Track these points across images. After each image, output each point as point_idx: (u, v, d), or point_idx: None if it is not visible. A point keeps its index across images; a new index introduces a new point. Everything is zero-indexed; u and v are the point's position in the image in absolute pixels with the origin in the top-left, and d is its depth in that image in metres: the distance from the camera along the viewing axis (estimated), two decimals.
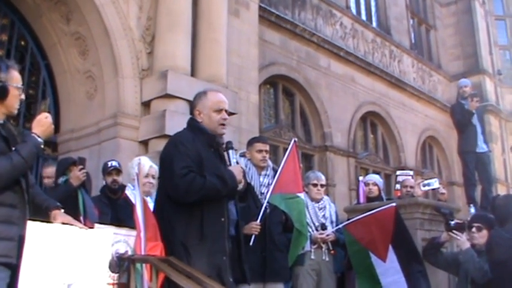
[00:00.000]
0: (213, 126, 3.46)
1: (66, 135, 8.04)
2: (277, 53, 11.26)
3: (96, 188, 5.72)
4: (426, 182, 6.75)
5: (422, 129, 15.91)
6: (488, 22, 18.73)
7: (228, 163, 3.47)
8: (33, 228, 2.70)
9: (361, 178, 6.97)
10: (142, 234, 3.33)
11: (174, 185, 3.26)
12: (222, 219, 3.34)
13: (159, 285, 3.16)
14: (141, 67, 7.68)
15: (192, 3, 7.90)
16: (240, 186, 3.49)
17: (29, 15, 8.16)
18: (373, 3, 15.60)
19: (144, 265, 3.26)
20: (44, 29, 8.15)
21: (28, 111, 7.85)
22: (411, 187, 6.67)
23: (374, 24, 15.28)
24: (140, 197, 3.49)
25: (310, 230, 5.17)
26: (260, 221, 4.48)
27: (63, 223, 2.92)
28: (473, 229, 4.80)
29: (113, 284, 3.26)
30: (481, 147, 8.06)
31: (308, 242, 5.06)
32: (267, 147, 4.98)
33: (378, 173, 11.75)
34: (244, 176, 3.53)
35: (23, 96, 2.93)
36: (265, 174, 4.89)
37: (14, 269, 2.69)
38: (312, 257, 5.16)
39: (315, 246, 5.19)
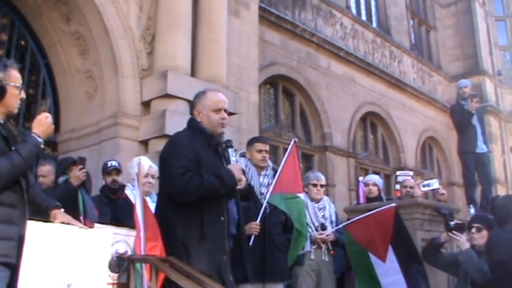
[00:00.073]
0: (212, 126, 3.46)
1: (66, 135, 8.04)
2: (277, 53, 11.26)
3: (96, 188, 5.72)
4: (426, 182, 6.75)
5: (422, 129, 15.92)
6: (488, 23, 18.73)
7: (227, 162, 3.48)
8: (33, 228, 2.70)
9: (361, 178, 6.96)
10: (142, 234, 3.33)
11: (172, 184, 3.28)
12: (222, 218, 3.35)
13: (159, 286, 3.16)
14: (141, 67, 7.68)
15: (192, 3, 7.91)
16: (242, 185, 3.50)
17: (29, 15, 8.16)
18: (373, 4, 15.61)
19: (143, 265, 3.26)
20: (44, 29, 8.15)
21: (28, 110, 7.84)
22: (411, 187, 6.67)
23: (374, 24, 15.29)
24: (140, 197, 3.49)
25: (310, 230, 5.17)
26: (260, 221, 4.48)
27: (63, 223, 2.92)
28: (473, 230, 4.79)
29: (113, 284, 3.26)
30: (481, 147, 8.06)
31: (308, 242, 5.06)
32: (267, 147, 4.98)
33: (377, 174, 11.75)
34: (244, 174, 3.54)
35: (23, 95, 2.92)
36: (265, 174, 4.89)
37: (13, 269, 2.68)
38: (312, 257, 5.17)
39: (314, 247, 5.19)
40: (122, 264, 3.31)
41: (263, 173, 4.89)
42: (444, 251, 5.32)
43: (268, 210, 4.66)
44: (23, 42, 8.25)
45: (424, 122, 16.05)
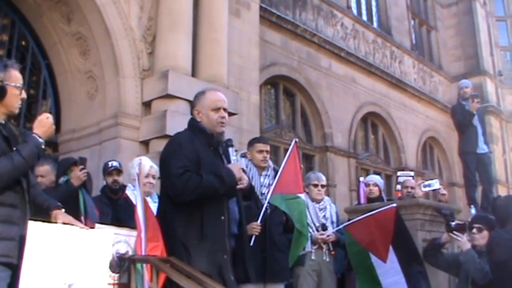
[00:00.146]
0: (211, 125, 3.47)
1: (67, 135, 8.05)
2: (278, 53, 11.26)
3: (96, 188, 5.72)
4: (427, 182, 6.75)
5: (423, 130, 15.91)
6: (489, 23, 18.71)
7: (228, 161, 3.48)
8: (34, 228, 2.70)
9: (361, 179, 6.96)
10: (143, 235, 3.33)
11: (171, 184, 3.29)
12: (222, 218, 3.34)
13: (160, 286, 3.16)
14: (142, 67, 7.68)
15: (193, 3, 7.91)
16: (244, 185, 3.50)
17: (30, 15, 8.16)
18: (374, 4, 15.60)
19: (144, 265, 3.26)
20: (45, 29, 8.15)
21: (29, 111, 7.85)
22: (412, 188, 6.67)
23: (375, 24, 15.28)
24: (141, 197, 3.49)
25: (311, 230, 5.17)
26: (260, 222, 4.48)
27: (64, 223, 2.92)
28: (474, 230, 4.80)
29: (114, 284, 3.25)
30: (482, 148, 8.06)
31: (309, 242, 5.06)
32: (268, 148, 4.98)
33: (378, 174, 11.76)
34: (245, 173, 3.53)
35: (23, 95, 2.92)
36: (266, 175, 4.89)
37: (14, 269, 2.68)
38: (313, 257, 5.17)
39: (315, 247, 5.19)
40: (122, 265, 3.31)
41: (264, 173, 4.89)
42: (445, 251, 5.31)
43: (269, 211, 4.65)
44: (23, 43, 8.26)
45: (425, 122, 16.05)
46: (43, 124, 2.90)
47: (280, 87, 11.81)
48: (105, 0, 7.43)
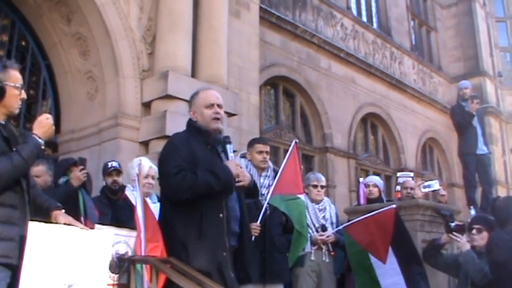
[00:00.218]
0: (206, 122, 3.49)
1: (67, 136, 8.04)
2: (277, 54, 11.27)
3: (96, 189, 5.72)
4: (426, 183, 6.74)
5: (423, 130, 15.91)
6: (488, 24, 18.72)
7: (227, 159, 3.48)
8: (34, 229, 2.70)
9: (361, 179, 6.96)
10: (142, 235, 3.34)
11: (167, 184, 3.34)
12: (221, 215, 3.34)
13: (160, 286, 3.16)
14: (141, 68, 7.68)
15: (193, 4, 7.91)
16: (246, 182, 3.51)
17: (30, 16, 8.17)
18: (373, 5, 15.61)
19: (144, 266, 3.27)
20: (45, 29, 8.15)
21: (28, 111, 7.85)
22: (411, 189, 6.66)
23: (375, 25, 15.29)
24: (141, 198, 3.50)
25: (311, 231, 5.17)
26: (260, 222, 4.48)
27: (64, 224, 2.92)
28: (474, 231, 4.79)
29: (113, 285, 3.26)
30: (481, 149, 8.06)
31: (308, 243, 5.06)
32: (268, 149, 4.97)
33: (378, 175, 11.78)
34: (241, 168, 3.54)
35: (23, 96, 2.91)
36: (266, 175, 4.89)
37: (14, 270, 2.68)
38: (312, 258, 5.17)
39: (315, 248, 5.19)
40: (122, 265, 3.32)
41: (264, 174, 4.89)
42: (444, 252, 5.31)
43: (268, 212, 4.66)
44: (23, 43, 8.26)
45: (425, 123, 16.05)
46: (43, 125, 2.90)
47: (280, 88, 11.81)
48: (104, 0, 7.43)
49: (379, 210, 5.06)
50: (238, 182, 3.46)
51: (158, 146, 6.86)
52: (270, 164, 5.05)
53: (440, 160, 16.98)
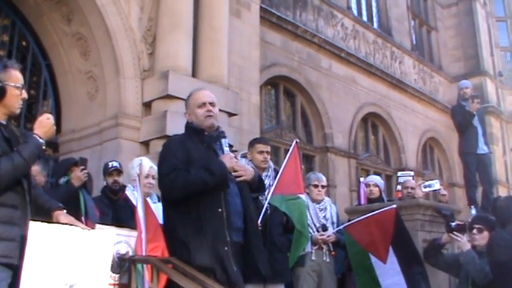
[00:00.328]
0: (199, 122, 3.55)
1: (68, 136, 8.05)
2: (278, 54, 11.27)
3: (97, 189, 5.72)
4: (427, 183, 6.74)
5: (423, 130, 15.91)
6: (489, 23, 18.72)
7: (222, 154, 3.49)
8: (36, 229, 2.70)
9: (362, 179, 6.96)
10: (143, 235, 3.34)
11: (162, 185, 3.41)
12: (220, 210, 3.34)
13: (162, 286, 3.16)
14: (142, 68, 7.68)
15: (194, 3, 7.91)
16: (249, 176, 3.51)
17: (30, 16, 8.17)
18: (374, 5, 15.61)
19: (145, 266, 3.27)
20: (45, 29, 8.16)
21: (29, 111, 7.85)
22: (412, 188, 6.66)
23: (375, 25, 15.29)
24: (142, 198, 3.50)
25: (311, 231, 5.17)
26: (261, 222, 4.47)
27: (66, 224, 2.92)
28: (474, 230, 4.79)
29: (114, 285, 3.26)
30: (482, 148, 8.06)
31: (309, 243, 5.06)
32: (268, 148, 4.97)
33: (378, 174, 11.77)
34: (238, 162, 3.54)
35: (24, 95, 2.91)
36: (266, 175, 4.88)
37: (15, 270, 2.69)
38: (313, 258, 5.16)
39: (315, 247, 5.19)
40: (123, 265, 3.32)
41: (264, 174, 4.87)
42: (445, 251, 5.31)
43: (269, 211, 4.65)
44: (24, 43, 8.27)
45: (425, 122, 16.05)
46: (44, 125, 2.89)
47: (281, 88, 11.81)
48: (105, 0, 7.43)
49: (380, 210, 5.05)
50: (239, 176, 3.47)
51: (159, 146, 6.82)
52: (271, 164, 5.04)
53: (441, 160, 16.98)
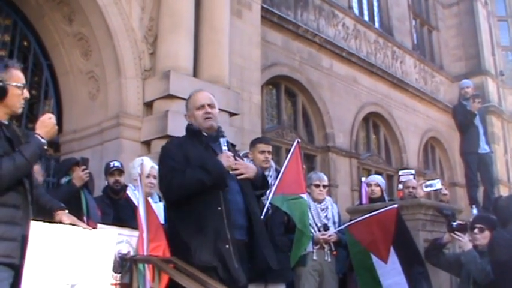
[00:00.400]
0: (199, 123, 3.57)
1: (69, 136, 8.06)
2: (279, 53, 11.27)
3: (98, 188, 5.72)
4: (428, 183, 6.73)
5: (425, 130, 15.91)
6: (490, 23, 18.70)
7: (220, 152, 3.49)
8: (37, 229, 2.70)
9: (363, 179, 6.96)
10: (145, 235, 3.34)
11: (160, 186, 3.48)
12: (219, 208, 3.32)
13: (164, 286, 3.17)
14: (143, 68, 7.69)
15: (195, 4, 7.92)
16: (251, 174, 3.51)
17: (32, 16, 8.18)
18: (375, 4, 15.60)
19: (146, 265, 3.27)
20: (47, 30, 8.16)
21: (31, 111, 7.86)
22: (413, 188, 6.67)
23: (376, 25, 15.28)
24: (143, 198, 3.50)
25: (313, 230, 5.17)
26: None
27: (67, 223, 2.92)
28: (476, 230, 4.79)
29: (116, 285, 3.26)
30: (483, 148, 8.05)
31: (310, 242, 5.06)
32: (270, 148, 4.98)
33: (380, 174, 11.76)
34: (234, 158, 3.52)
35: (26, 95, 2.91)
36: (268, 175, 4.87)
37: (17, 270, 2.69)
38: (314, 257, 5.16)
39: (317, 247, 5.19)
40: (124, 265, 3.32)
41: (266, 173, 4.87)
42: (446, 251, 5.31)
43: (270, 211, 4.65)
44: (25, 43, 8.28)
45: (426, 122, 16.04)
46: (45, 124, 2.89)
47: (282, 88, 11.81)
48: (106, 1, 7.44)
49: (381, 210, 5.05)
50: (240, 174, 3.47)
51: (160, 145, 6.79)
52: (272, 163, 5.05)
53: (442, 159, 16.97)
